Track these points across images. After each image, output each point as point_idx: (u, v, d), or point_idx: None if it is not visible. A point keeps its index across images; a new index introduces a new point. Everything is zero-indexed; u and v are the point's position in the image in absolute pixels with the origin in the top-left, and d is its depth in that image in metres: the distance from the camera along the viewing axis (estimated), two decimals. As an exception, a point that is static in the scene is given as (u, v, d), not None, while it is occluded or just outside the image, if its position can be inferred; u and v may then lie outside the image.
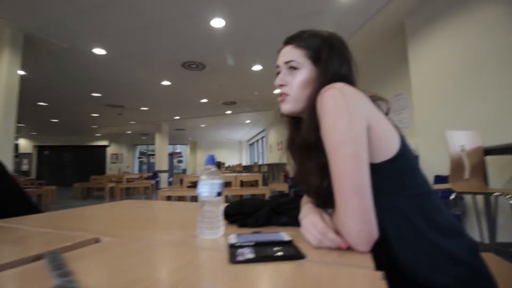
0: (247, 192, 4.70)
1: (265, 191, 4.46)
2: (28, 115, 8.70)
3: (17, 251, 0.56)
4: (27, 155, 14.01)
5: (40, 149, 14.51)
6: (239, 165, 13.45)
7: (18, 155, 13.33)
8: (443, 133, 2.02)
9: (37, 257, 0.49)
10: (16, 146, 13.00)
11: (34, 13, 3.19)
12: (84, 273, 0.41)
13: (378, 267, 0.43)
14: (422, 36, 3.12)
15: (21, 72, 3.64)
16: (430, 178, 2.81)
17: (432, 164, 2.83)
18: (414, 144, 3.10)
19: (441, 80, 2.87)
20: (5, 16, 3.24)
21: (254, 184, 4.94)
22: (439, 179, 2.72)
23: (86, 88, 6.19)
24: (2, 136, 3.30)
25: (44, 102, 7.33)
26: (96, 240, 0.61)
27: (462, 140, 2.05)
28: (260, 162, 13.24)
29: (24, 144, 14.11)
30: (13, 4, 3.02)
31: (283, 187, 5.39)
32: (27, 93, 5.20)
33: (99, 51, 4.19)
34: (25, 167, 13.84)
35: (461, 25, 2.65)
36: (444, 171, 2.61)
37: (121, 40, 3.90)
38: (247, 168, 12.65)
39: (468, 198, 2.55)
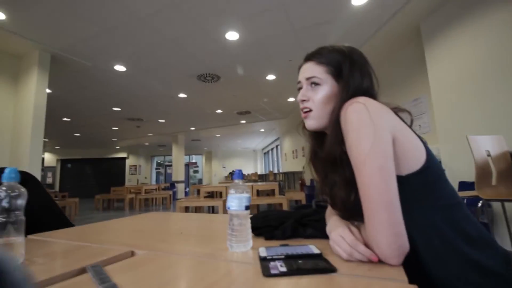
0: (264, 201, 4.63)
1: (282, 200, 4.39)
2: (52, 130, 9.13)
3: (61, 264, 0.59)
4: (51, 168, 14.61)
5: (63, 162, 15.11)
6: (255, 174, 13.42)
7: (43, 169, 13.92)
8: (466, 137, 1.96)
9: (81, 271, 0.52)
10: (42, 160, 13.62)
11: (60, 34, 3.39)
12: (126, 287, 0.43)
13: (409, 279, 0.43)
14: (439, 39, 3.06)
15: (48, 90, 3.83)
16: (454, 185, 2.71)
17: (456, 170, 2.74)
18: (435, 149, 3.02)
19: (462, 83, 2.80)
20: (35, 38, 3.46)
21: (270, 193, 4.87)
22: (464, 185, 2.62)
23: (107, 103, 6.46)
24: (32, 152, 3.48)
25: (67, 118, 7.68)
26: (132, 254, 0.64)
27: (487, 145, 1.98)
28: (275, 171, 13.20)
29: (49, 158, 14.74)
30: (42, 27, 3.23)
31: (300, 195, 5.32)
32: (52, 110, 5.46)
33: (119, 67, 4.38)
34: (49, 180, 14.41)
35: (480, 26, 2.59)
36: (469, 177, 2.52)
37: (140, 56, 4.06)
38: (262, 177, 12.62)
39: (496, 205, 2.44)
